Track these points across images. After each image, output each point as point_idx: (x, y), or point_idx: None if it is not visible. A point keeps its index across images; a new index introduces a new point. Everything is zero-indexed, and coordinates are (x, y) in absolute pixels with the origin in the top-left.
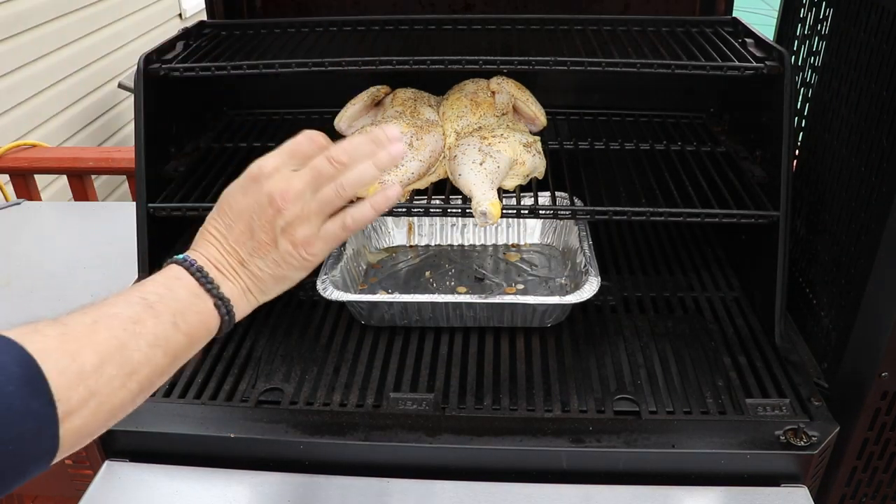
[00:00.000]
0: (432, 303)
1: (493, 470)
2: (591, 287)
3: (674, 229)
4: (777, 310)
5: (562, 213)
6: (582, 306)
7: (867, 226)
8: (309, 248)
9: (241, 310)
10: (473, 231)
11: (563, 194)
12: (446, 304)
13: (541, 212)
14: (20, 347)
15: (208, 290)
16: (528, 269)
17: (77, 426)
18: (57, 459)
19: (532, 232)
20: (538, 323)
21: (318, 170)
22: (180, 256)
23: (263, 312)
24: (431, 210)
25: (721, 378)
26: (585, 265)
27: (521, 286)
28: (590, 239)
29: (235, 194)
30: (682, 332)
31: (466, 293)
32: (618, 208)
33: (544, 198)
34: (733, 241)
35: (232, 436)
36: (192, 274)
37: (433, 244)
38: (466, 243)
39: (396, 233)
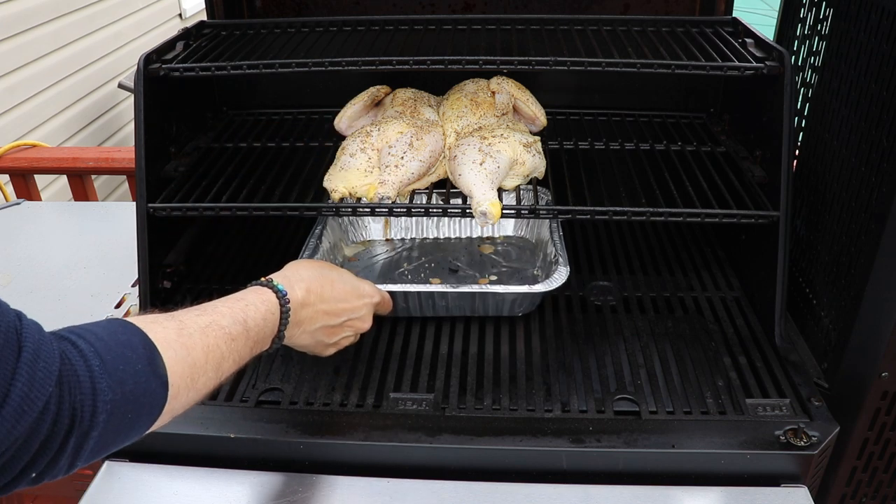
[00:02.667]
0: (405, 292)
1: (493, 470)
2: (560, 276)
3: (674, 229)
4: (777, 310)
5: (562, 213)
6: (582, 306)
7: (867, 226)
8: (330, 352)
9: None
10: (449, 224)
11: (543, 190)
12: (419, 293)
13: (541, 212)
14: (144, 333)
15: (280, 331)
16: (502, 260)
17: (172, 409)
18: (143, 434)
19: (506, 225)
20: (508, 312)
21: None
22: (282, 288)
23: None
24: (432, 210)
25: (721, 378)
26: (555, 255)
27: (494, 277)
28: (560, 231)
29: (352, 292)
30: (682, 332)
31: (440, 284)
32: (618, 208)
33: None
34: (733, 241)
35: (232, 436)
36: (282, 315)
37: (409, 237)
38: (442, 236)
39: (373, 226)
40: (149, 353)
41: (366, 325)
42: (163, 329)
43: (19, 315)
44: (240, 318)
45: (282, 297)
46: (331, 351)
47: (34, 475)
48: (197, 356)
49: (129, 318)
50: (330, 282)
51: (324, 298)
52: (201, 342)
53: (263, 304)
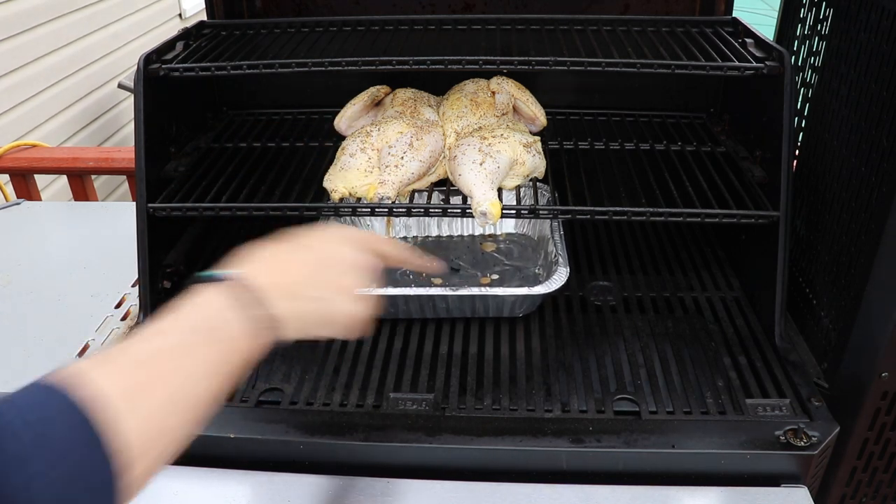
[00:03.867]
0: (405, 295)
1: (493, 470)
2: (560, 277)
3: (674, 229)
4: (777, 310)
5: (562, 213)
6: (582, 306)
7: (867, 226)
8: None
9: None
10: (450, 222)
11: (544, 187)
12: (419, 296)
13: (541, 212)
14: (69, 396)
15: (251, 314)
16: (504, 258)
17: (140, 474)
18: None
19: (507, 221)
20: (508, 313)
21: None
22: (205, 274)
23: None
24: (432, 211)
25: (721, 378)
26: (556, 255)
27: (495, 276)
28: (561, 230)
29: (319, 235)
30: (682, 332)
31: (442, 285)
32: (618, 208)
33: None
34: (733, 241)
35: (232, 436)
36: (232, 292)
37: (411, 235)
38: (444, 234)
39: (376, 225)
40: (80, 419)
41: (358, 261)
42: (97, 379)
43: None
44: (186, 328)
45: (208, 277)
46: (351, 307)
47: None
48: (145, 401)
49: (60, 373)
50: (286, 245)
51: (285, 252)
52: (146, 378)
53: (195, 296)
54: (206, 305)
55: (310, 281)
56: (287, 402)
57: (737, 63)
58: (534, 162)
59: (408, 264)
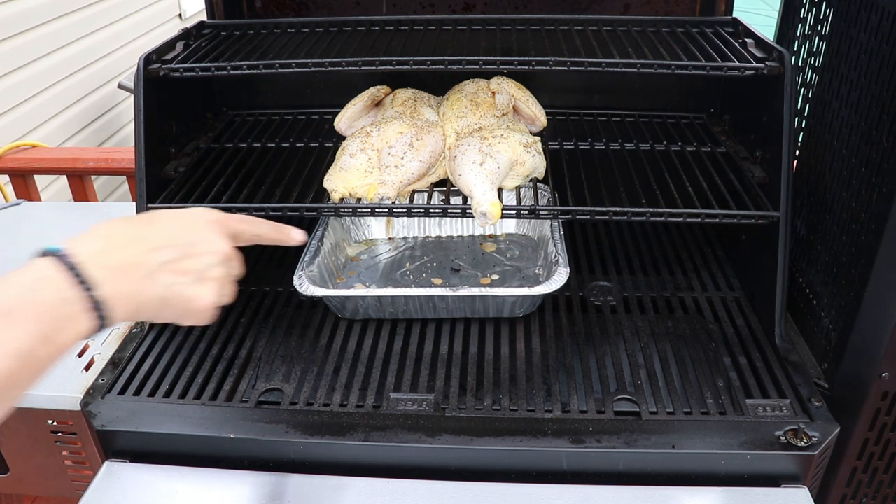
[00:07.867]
0: (405, 296)
1: (494, 470)
2: (560, 278)
3: (674, 229)
4: (777, 310)
5: (562, 213)
6: (582, 306)
7: (867, 226)
8: (209, 300)
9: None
10: (451, 222)
11: (544, 187)
12: (419, 296)
13: (541, 213)
14: None
15: (84, 285)
16: (504, 259)
17: None
18: None
19: (508, 222)
20: (508, 313)
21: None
22: (50, 248)
23: (263, 312)
24: (432, 211)
25: (721, 378)
26: (556, 255)
27: (495, 276)
28: (561, 230)
29: (178, 217)
30: (682, 332)
31: (442, 285)
32: (618, 208)
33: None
34: (733, 241)
35: (232, 436)
36: (69, 268)
37: (411, 235)
38: (444, 234)
39: (375, 225)
40: None
41: (219, 246)
42: None
43: None
44: None
45: (49, 252)
46: (208, 297)
47: None
48: None
49: None
50: (142, 220)
51: (142, 236)
52: None
53: (22, 270)
54: (15, 274)
55: (150, 260)
56: (287, 402)
57: (737, 63)
58: (534, 162)
59: (263, 238)
